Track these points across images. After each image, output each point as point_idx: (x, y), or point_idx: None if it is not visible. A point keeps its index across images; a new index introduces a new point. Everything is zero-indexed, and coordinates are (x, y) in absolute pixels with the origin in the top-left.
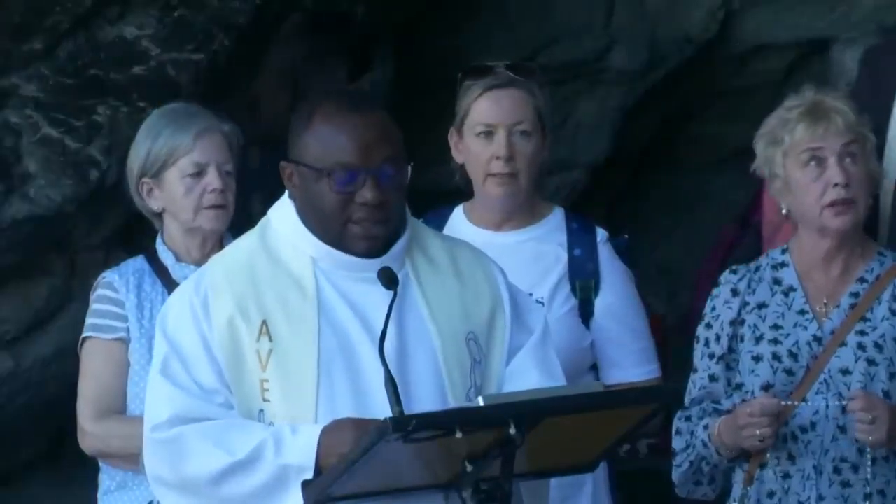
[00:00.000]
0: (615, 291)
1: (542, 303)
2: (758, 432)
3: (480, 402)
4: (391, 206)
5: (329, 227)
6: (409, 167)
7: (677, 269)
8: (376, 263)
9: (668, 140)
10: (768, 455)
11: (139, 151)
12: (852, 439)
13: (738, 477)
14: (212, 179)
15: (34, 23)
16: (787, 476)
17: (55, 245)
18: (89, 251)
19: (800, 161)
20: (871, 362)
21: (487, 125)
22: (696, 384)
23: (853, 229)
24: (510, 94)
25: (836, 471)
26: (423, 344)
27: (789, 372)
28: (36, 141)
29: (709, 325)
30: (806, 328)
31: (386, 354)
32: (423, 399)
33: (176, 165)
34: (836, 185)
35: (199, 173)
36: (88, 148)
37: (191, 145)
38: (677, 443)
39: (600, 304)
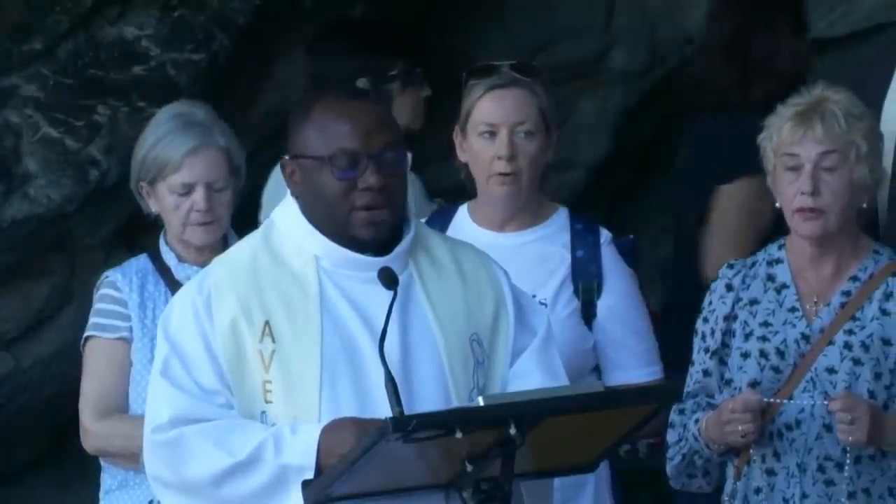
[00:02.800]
0: (618, 293)
1: (545, 304)
2: (740, 428)
3: (480, 401)
4: (394, 191)
5: (334, 216)
6: (409, 155)
7: None
8: (379, 263)
9: (668, 140)
10: (751, 452)
11: (138, 155)
12: (837, 438)
13: (730, 472)
14: (198, 199)
15: (34, 23)
16: (772, 473)
17: (55, 245)
18: (89, 251)
19: (782, 161)
20: (856, 362)
21: (490, 125)
22: (692, 377)
23: (822, 237)
24: (513, 93)
25: (821, 469)
26: (427, 344)
27: (776, 369)
28: (36, 141)
29: (705, 320)
30: (795, 326)
31: (390, 355)
32: (427, 399)
33: (165, 181)
34: (803, 193)
35: (186, 192)
36: (88, 148)
37: (178, 164)
38: (671, 436)
39: (603, 305)
